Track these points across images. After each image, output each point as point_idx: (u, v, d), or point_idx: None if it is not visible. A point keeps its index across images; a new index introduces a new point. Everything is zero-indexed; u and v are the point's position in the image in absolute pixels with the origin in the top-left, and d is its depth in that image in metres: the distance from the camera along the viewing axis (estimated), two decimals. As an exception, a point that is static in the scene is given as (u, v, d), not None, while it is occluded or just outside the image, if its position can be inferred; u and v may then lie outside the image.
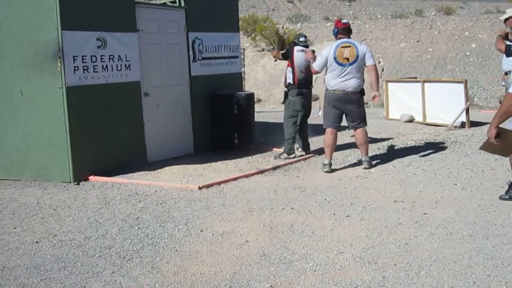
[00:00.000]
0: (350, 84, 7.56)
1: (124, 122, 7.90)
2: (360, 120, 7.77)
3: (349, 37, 7.71)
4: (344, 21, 7.90)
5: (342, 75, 7.53)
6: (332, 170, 7.63)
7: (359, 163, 7.92)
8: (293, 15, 43.82)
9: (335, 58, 7.53)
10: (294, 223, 5.33)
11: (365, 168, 7.63)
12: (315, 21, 39.88)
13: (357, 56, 7.56)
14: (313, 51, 8.13)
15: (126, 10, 7.93)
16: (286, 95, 8.66)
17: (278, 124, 9.19)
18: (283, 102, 8.78)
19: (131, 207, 6.07)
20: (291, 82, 8.48)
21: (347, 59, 7.53)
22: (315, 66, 7.79)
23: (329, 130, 7.73)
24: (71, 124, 7.16)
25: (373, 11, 50.07)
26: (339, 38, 7.68)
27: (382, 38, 25.27)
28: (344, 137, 9.79)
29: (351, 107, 7.69)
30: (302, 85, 8.47)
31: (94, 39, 7.45)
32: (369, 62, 7.68)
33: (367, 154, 7.80)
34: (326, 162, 7.67)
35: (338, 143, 9.58)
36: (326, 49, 7.74)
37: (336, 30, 7.74)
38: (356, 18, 39.44)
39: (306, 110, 8.64)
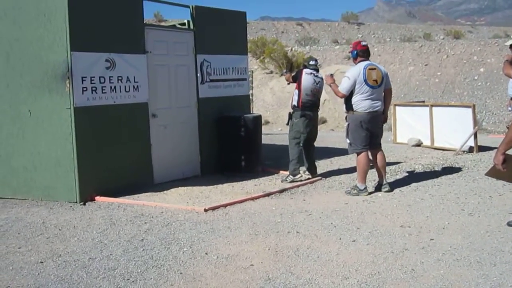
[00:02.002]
0: (379, 104, 7.61)
1: (131, 143, 7.93)
2: (379, 141, 7.83)
3: (369, 59, 7.73)
4: (363, 43, 7.85)
5: (372, 96, 7.52)
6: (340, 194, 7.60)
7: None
8: (302, 38, 44.09)
9: (365, 80, 7.49)
10: (299, 247, 5.29)
11: (387, 191, 7.63)
12: (323, 44, 40.11)
13: (383, 78, 7.63)
14: (331, 75, 8.07)
15: (135, 32, 8.01)
16: (290, 116, 8.69)
17: (285, 147, 9.20)
18: (287, 123, 8.81)
19: (137, 228, 6.06)
20: (296, 104, 8.51)
21: (376, 81, 7.54)
22: (343, 89, 7.58)
23: (364, 154, 7.62)
24: (79, 144, 7.19)
25: (382, 34, 50.30)
26: (360, 61, 7.66)
27: (390, 62, 25.36)
28: (351, 160, 9.79)
29: (379, 128, 7.74)
30: (306, 108, 8.49)
31: (103, 60, 7.51)
32: (388, 85, 7.79)
33: (385, 177, 7.83)
34: (364, 187, 7.59)
35: (344, 166, 9.61)
36: (352, 72, 7.61)
37: (355, 52, 7.68)
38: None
39: (311, 133, 8.64)
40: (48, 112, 7.28)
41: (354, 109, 7.56)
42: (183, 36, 8.91)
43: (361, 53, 7.66)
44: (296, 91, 8.54)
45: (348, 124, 7.66)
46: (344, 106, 7.76)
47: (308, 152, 8.73)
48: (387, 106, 7.84)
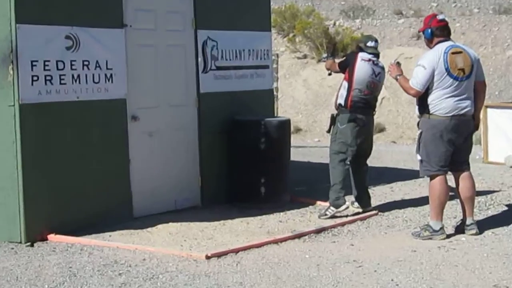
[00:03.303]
0: (468, 104, 7.56)
1: (101, 158, 7.95)
2: (467, 158, 7.82)
3: (450, 39, 7.71)
4: (440, 17, 7.78)
5: (457, 92, 7.49)
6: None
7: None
8: (349, 7, 44.11)
9: (447, 70, 7.47)
10: (345, 315, 5.28)
11: (474, 234, 7.57)
12: (381, 16, 40.08)
13: (472, 66, 7.58)
14: (398, 63, 7.99)
15: (110, -3, 8.08)
16: (333, 120, 8.64)
17: (325, 166, 9.18)
18: (328, 131, 8.77)
19: (107, 282, 6.06)
20: (343, 103, 8.46)
21: (463, 70, 7.51)
22: (417, 84, 7.51)
23: (441, 178, 7.56)
24: (26, 158, 7.22)
25: (467, 3, 50.23)
26: (438, 42, 7.61)
27: (479, 43, 25.27)
28: (422, 187, 9.75)
29: (467, 139, 7.71)
30: (358, 109, 8.44)
31: (62, 37, 7.56)
32: (481, 77, 7.78)
33: (473, 213, 7.75)
34: (439, 226, 7.53)
35: (410, 195, 9.55)
36: (428, 58, 7.60)
37: (429, 31, 7.64)
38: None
39: (363, 146, 8.59)
40: (-17, 111, 7.34)
41: (431, 112, 7.52)
42: (177, 4, 8.96)
43: (439, 31, 7.63)
44: (345, 84, 8.49)
45: (421, 133, 7.62)
46: (416, 108, 7.73)
47: (359, 175, 8.71)
48: (479, 106, 7.82)
